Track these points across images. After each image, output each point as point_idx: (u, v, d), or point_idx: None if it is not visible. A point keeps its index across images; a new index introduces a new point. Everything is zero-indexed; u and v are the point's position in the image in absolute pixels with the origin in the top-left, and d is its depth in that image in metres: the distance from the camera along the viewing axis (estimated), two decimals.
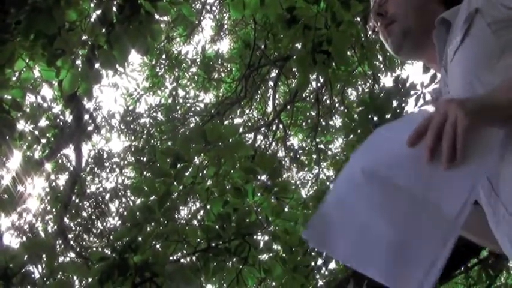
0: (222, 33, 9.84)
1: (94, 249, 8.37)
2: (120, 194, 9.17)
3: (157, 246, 4.41)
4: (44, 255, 5.35)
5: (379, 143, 1.10)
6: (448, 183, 0.97)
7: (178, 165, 4.49)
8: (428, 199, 0.97)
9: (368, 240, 0.99)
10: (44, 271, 5.45)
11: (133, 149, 9.26)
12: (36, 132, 6.57)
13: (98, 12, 4.04)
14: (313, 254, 4.71)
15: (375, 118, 4.84)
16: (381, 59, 6.89)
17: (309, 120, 9.37)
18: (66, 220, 8.16)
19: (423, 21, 1.39)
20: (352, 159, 1.10)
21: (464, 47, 1.19)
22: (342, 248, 1.02)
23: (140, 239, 4.16)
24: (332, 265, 6.03)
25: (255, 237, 4.44)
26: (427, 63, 1.48)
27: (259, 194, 4.59)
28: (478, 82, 1.13)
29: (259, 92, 9.02)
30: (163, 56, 9.42)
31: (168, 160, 4.54)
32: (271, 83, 8.93)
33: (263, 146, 8.47)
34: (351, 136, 5.05)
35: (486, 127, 0.99)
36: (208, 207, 4.69)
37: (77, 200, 8.71)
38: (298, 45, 4.56)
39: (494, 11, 1.17)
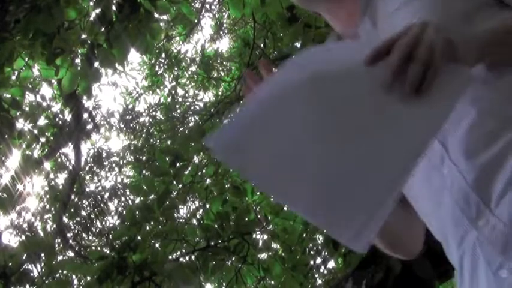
0: (221, 32, 9.83)
1: (93, 248, 8.37)
2: (119, 193, 9.16)
3: (157, 245, 4.41)
4: (42, 254, 5.35)
5: (334, 55, 0.90)
6: (410, 116, 0.79)
7: (178, 164, 4.50)
8: (379, 126, 0.79)
9: (296, 164, 0.76)
10: (43, 270, 5.45)
11: (132, 148, 9.25)
12: (36, 131, 6.57)
13: (97, 10, 4.04)
14: (312, 252, 4.71)
15: None
16: None
17: None
18: (65, 219, 8.15)
19: None
20: (298, 60, 0.88)
21: None
22: (257, 167, 0.77)
23: (139, 238, 4.16)
24: (331, 264, 6.04)
25: (254, 236, 4.45)
26: (344, 17, 1.16)
27: (258, 193, 4.59)
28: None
29: None
30: (163, 55, 9.41)
31: (168, 159, 4.54)
32: None
33: None
34: None
35: (462, 65, 0.82)
36: (208, 206, 4.70)
37: (76, 199, 8.70)
38: (298, 44, 4.56)
39: None
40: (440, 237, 0.99)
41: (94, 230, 9.00)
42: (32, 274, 5.05)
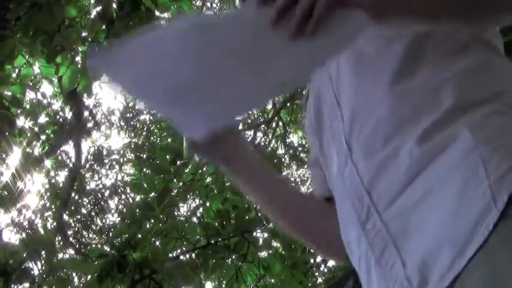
0: None
1: (93, 245, 8.38)
2: (119, 190, 9.17)
3: (157, 243, 4.41)
4: (43, 252, 5.36)
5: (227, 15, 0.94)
6: (288, 53, 0.80)
7: (178, 162, 4.50)
8: (257, 59, 0.81)
9: (161, 73, 0.83)
10: (44, 267, 5.45)
11: (133, 146, 9.25)
12: (36, 129, 6.58)
13: (98, 8, 4.05)
14: (312, 251, 4.72)
15: None
16: None
17: None
18: (65, 217, 8.16)
19: None
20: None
21: None
22: (127, 75, 0.84)
23: (139, 235, 4.16)
24: (331, 262, 6.05)
25: (254, 234, 4.45)
26: None
27: None
28: None
29: None
30: None
31: (168, 157, 4.54)
32: None
33: (263, 144, 8.47)
34: None
35: (357, 10, 0.81)
36: (208, 204, 4.70)
37: (76, 197, 8.71)
38: None
39: None
40: (344, 238, 0.97)
41: (94, 228, 9.01)
42: (32, 272, 5.05)
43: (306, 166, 9.42)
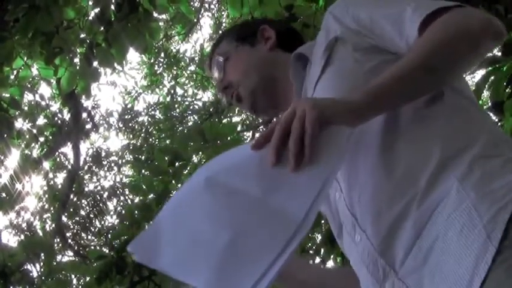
0: (220, 32, 9.83)
1: (92, 247, 8.38)
2: (118, 192, 9.17)
3: None
4: (42, 254, 5.36)
5: (230, 156, 1.01)
6: (295, 185, 0.88)
7: (177, 164, 4.50)
8: (270, 202, 0.87)
9: (198, 250, 0.89)
10: (42, 269, 5.45)
11: (131, 147, 9.25)
12: (34, 131, 6.58)
13: (96, 10, 4.04)
14: (311, 252, 4.72)
15: None
16: None
17: None
18: (64, 218, 8.16)
19: (269, 72, 1.33)
20: (198, 170, 1.01)
21: (326, 77, 1.11)
22: (169, 259, 0.92)
23: None
24: (330, 263, 6.04)
25: None
26: None
27: None
28: None
29: None
30: (162, 54, 9.41)
31: (166, 158, 4.54)
32: None
33: None
34: None
35: (339, 125, 0.91)
36: None
37: (75, 199, 8.71)
38: None
39: (356, 39, 1.11)
40: None
41: (93, 230, 9.01)
42: (31, 274, 5.05)
43: None
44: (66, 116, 7.61)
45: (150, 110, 9.70)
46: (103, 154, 9.53)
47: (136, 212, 4.42)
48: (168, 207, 0.99)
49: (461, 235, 0.85)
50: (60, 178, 8.75)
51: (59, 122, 7.67)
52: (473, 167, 0.91)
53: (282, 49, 1.36)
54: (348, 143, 0.91)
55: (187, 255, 0.90)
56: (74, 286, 6.12)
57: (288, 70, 1.26)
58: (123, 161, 9.53)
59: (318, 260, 5.50)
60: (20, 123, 5.98)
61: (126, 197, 8.93)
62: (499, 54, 2.75)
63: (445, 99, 1.01)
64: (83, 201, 9.04)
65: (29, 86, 5.77)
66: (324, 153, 0.88)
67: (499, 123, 2.80)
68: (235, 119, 8.78)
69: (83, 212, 9.01)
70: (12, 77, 4.44)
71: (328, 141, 0.89)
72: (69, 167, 8.12)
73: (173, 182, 4.52)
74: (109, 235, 7.51)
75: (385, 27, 1.09)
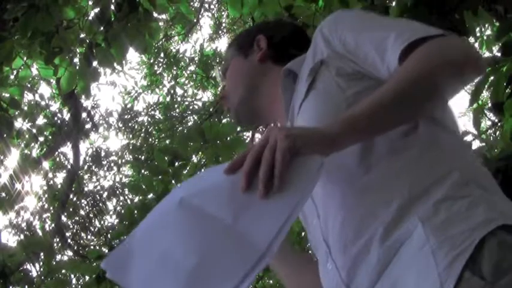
0: (220, 32, 9.84)
1: (92, 247, 8.38)
2: (117, 192, 9.17)
3: None
4: (41, 254, 5.36)
5: (207, 176, 1.03)
6: (263, 212, 0.90)
7: (176, 164, 4.50)
8: (238, 228, 0.89)
9: (166, 270, 0.91)
10: (42, 269, 5.45)
11: (131, 147, 9.26)
12: (34, 130, 6.57)
13: (96, 10, 4.04)
14: (310, 252, 4.72)
15: None
16: None
17: None
18: (63, 218, 8.16)
19: (254, 84, 1.35)
20: (174, 190, 1.03)
21: (309, 100, 1.13)
22: (139, 277, 0.93)
23: None
24: None
25: None
26: (280, 121, 1.36)
27: None
28: None
29: None
30: (162, 54, 9.42)
31: (166, 158, 4.54)
32: None
33: None
34: None
35: (311, 154, 0.92)
36: None
37: (74, 198, 8.71)
38: None
39: (341, 63, 1.12)
40: None
41: (93, 229, 9.01)
42: (30, 274, 5.05)
43: None
44: (66, 115, 7.62)
45: (149, 110, 9.70)
46: (103, 154, 9.53)
47: (135, 212, 4.42)
48: (143, 225, 1.00)
49: (418, 282, 0.86)
50: (60, 178, 8.77)
51: (59, 121, 7.68)
52: (438, 209, 0.91)
53: (273, 61, 1.36)
54: (319, 172, 0.92)
55: (155, 275, 0.92)
56: (74, 286, 6.13)
57: (277, 83, 1.27)
58: (123, 161, 9.53)
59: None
60: (20, 123, 5.99)
61: (126, 197, 8.94)
62: (499, 54, 2.75)
63: (420, 131, 1.01)
64: (83, 201, 9.04)
65: (28, 85, 5.78)
66: (294, 181, 0.90)
67: (499, 124, 2.80)
68: None
69: (82, 212, 9.01)
70: (12, 76, 4.44)
71: (299, 169, 0.91)
72: (69, 166, 8.13)
73: (173, 182, 4.52)
74: (108, 235, 7.52)
75: (369, 52, 1.09)
